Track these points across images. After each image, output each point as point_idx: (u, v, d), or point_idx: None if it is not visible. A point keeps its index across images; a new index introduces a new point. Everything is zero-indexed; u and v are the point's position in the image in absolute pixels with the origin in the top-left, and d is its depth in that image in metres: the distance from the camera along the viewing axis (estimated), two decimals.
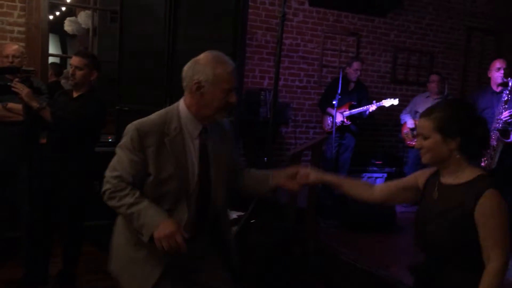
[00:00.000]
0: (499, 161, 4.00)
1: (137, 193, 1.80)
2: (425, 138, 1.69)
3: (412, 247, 4.11)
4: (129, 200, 1.79)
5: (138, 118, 3.67)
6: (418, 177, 1.84)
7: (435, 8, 6.61)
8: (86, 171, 3.11)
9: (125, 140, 1.85)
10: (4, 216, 3.48)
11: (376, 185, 2.01)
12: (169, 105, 3.38)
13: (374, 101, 5.13)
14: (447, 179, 1.71)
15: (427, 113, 1.69)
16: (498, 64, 4.25)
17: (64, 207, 3.06)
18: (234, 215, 3.34)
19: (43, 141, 3.27)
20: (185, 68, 1.86)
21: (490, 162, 3.97)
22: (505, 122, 4.03)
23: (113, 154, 3.85)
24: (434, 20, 6.63)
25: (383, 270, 3.34)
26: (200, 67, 1.80)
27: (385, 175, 5.87)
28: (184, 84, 1.86)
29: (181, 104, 1.89)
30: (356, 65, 5.24)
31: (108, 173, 1.87)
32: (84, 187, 3.12)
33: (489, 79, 4.33)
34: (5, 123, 3.32)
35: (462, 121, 1.64)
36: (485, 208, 1.58)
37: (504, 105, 4.07)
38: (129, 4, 3.65)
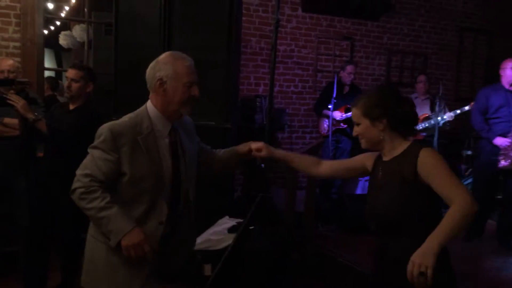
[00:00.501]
0: None
1: (108, 197, 1.79)
2: (357, 124, 1.84)
3: None
4: (99, 203, 1.78)
5: None
6: (366, 160, 1.96)
7: (427, 10, 6.67)
8: None
9: (98, 140, 1.86)
10: (2, 231, 3.48)
11: (324, 162, 2.11)
12: None
13: None
14: (387, 157, 1.83)
15: (356, 102, 1.84)
16: (510, 63, 4.21)
17: (62, 220, 3.06)
18: (233, 222, 3.35)
19: (40, 154, 3.29)
20: (148, 69, 1.94)
21: (510, 162, 3.96)
22: None
23: None
24: (426, 21, 6.69)
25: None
26: (161, 65, 1.89)
27: None
28: (148, 85, 1.94)
29: (149, 104, 1.97)
30: (349, 68, 5.28)
31: (79, 172, 1.87)
32: None
33: (499, 77, 4.31)
34: (1, 138, 3.34)
35: (385, 103, 1.77)
36: (427, 162, 1.68)
37: None
38: (124, 16, 3.68)
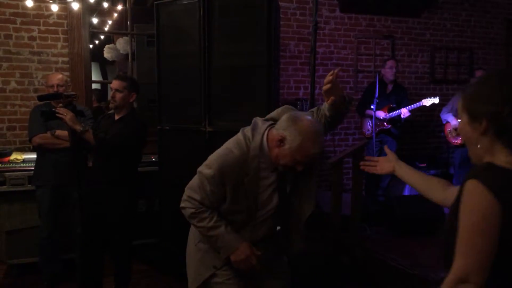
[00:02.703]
0: None
1: (215, 217, 1.98)
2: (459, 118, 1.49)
3: None
4: (208, 223, 1.97)
5: (179, 137, 3.81)
6: None
7: (471, 3, 6.43)
8: (131, 191, 3.20)
9: (208, 172, 1.94)
10: (60, 239, 3.63)
11: (454, 187, 1.63)
12: (208, 122, 3.51)
13: (407, 107, 5.04)
14: None
15: (463, 90, 1.46)
16: None
17: (114, 228, 3.15)
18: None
19: (90, 165, 3.41)
20: (287, 116, 1.91)
21: None
22: None
23: (156, 173, 3.97)
24: (470, 16, 6.45)
25: (436, 274, 3.24)
26: (295, 131, 1.85)
27: None
28: (276, 132, 1.92)
29: (265, 140, 1.95)
30: (390, 63, 5.18)
31: (189, 193, 2.00)
32: (130, 206, 3.21)
33: None
34: (54, 150, 3.49)
35: (493, 98, 1.28)
36: (464, 199, 1.25)
37: None
38: (164, 27, 3.76)
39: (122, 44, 5.49)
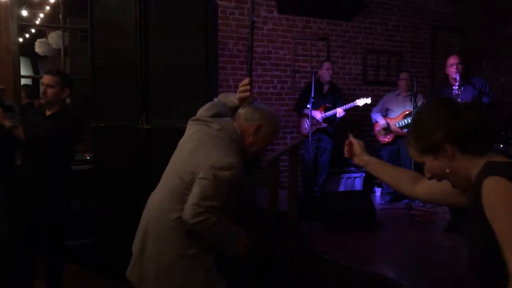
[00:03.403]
0: None
1: (226, 218, 1.92)
2: (423, 164, 1.42)
3: (393, 242, 4.23)
4: (226, 224, 1.91)
5: (115, 134, 3.73)
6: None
7: (400, 9, 6.80)
8: (64, 190, 3.10)
9: (229, 175, 1.86)
10: None
11: (424, 179, 1.58)
12: (145, 119, 3.47)
13: (342, 107, 5.26)
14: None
15: (406, 140, 1.45)
16: (451, 60, 4.47)
17: (45, 228, 3.04)
18: None
19: (19, 163, 3.25)
20: (252, 108, 2.06)
21: None
22: None
23: (90, 172, 3.87)
24: (399, 21, 6.82)
25: (367, 266, 3.41)
26: (267, 118, 2.05)
27: (363, 174, 5.98)
28: (248, 123, 2.03)
29: (239, 132, 2.03)
30: (326, 64, 5.38)
31: (207, 203, 1.83)
32: (63, 206, 3.11)
33: (477, 68, 4.52)
34: None
35: (438, 124, 1.33)
36: (487, 201, 1.21)
37: (458, 99, 4.22)
38: (99, 22, 3.67)
39: (54, 39, 5.27)
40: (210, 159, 1.87)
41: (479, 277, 1.29)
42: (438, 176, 1.40)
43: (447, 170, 1.35)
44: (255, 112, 2.03)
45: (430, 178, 1.42)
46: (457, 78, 4.32)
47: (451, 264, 3.51)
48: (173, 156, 2.09)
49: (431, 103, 1.42)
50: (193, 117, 2.13)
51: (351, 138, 1.85)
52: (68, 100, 3.73)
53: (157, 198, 2.02)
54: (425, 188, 1.60)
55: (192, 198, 1.83)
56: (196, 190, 1.84)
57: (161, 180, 2.09)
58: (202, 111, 2.14)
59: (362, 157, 1.79)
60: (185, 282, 1.92)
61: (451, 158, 1.33)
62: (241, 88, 2.08)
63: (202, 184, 1.83)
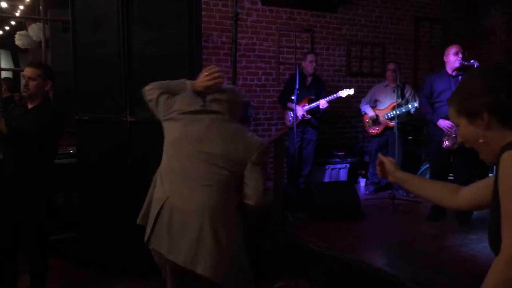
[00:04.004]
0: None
1: None
2: (458, 127, 1.39)
3: (377, 232, 4.30)
4: None
5: (99, 127, 3.70)
6: None
7: (383, 1, 6.84)
8: (47, 184, 3.07)
9: (268, 150, 2.21)
10: None
11: (463, 189, 1.56)
12: (129, 112, 3.45)
13: (325, 98, 5.28)
14: None
15: (450, 97, 1.42)
16: (455, 48, 4.35)
17: (28, 222, 3.00)
18: None
19: (0, 157, 3.20)
20: (230, 93, 2.27)
21: (452, 142, 4.11)
22: None
23: (74, 166, 3.84)
24: (382, 12, 6.87)
25: (351, 255, 3.46)
26: (239, 95, 2.38)
27: (348, 165, 6.04)
28: (235, 106, 2.25)
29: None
30: (310, 57, 5.39)
31: (263, 187, 2.11)
32: (47, 200, 3.08)
33: (443, 63, 4.48)
34: None
35: (485, 90, 1.29)
36: (500, 174, 1.19)
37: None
38: (81, 13, 3.62)
39: (35, 31, 5.17)
40: (252, 145, 2.08)
41: (494, 252, 1.25)
42: (467, 142, 1.37)
43: (480, 140, 1.30)
44: (234, 94, 2.27)
45: (461, 143, 1.39)
46: (458, 66, 4.28)
47: (434, 252, 3.59)
48: (193, 149, 2.09)
49: (487, 69, 1.39)
50: (195, 109, 2.17)
51: (381, 157, 1.79)
52: (50, 93, 3.69)
53: (202, 194, 2.03)
54: (466, 196, 1.54)
55: (259, 184, 2.09)
56: (258, 175, 2.09)
57: (190, 175, 2.07)
58: (189, 99, 2.20)
59: (396, 174, 1.72)
60: (246, 262, 2.19)
61: (486, 128, 1.29)
62: (209, 77, 2.22)
63: (258, 169, 2.09)
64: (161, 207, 2.07)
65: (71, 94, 3.86)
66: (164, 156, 2.20)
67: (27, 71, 2.97)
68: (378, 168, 1.77)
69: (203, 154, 2.06)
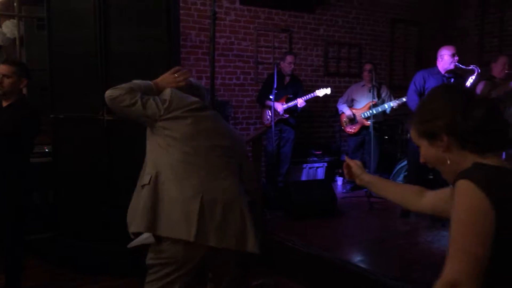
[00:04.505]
0: None
1: None
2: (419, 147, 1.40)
3: (353, 229, 4.36)
4: None
5: (75, 126, 3.67)
6: None
7: (360, 2, 6.95)
8: (23, 183, 3.03)
9: None
10: None
11: (428, 192, 1.60)
12: (106, 110, 3.43)
13: (302, 97, 5.33)
14: None
15: (410, 119, 1.42)
16: (453, 50, 4.30)
17: (3, 221, 2.96)
18: None
19: None
20: (202, 89, 2.42)
21: None
22: None
23: (49, 164, 3.78)
24: (359, 13, 6.97)
25: (327, 252, 3.51)
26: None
27: (325, 164, 6.11)
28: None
29: None
30: (289, 58, 5.44)
31: None
32: (23, 199, 3.04)
33: (431, 62, 4.44)
34: None
35: (444, 113, 1.29)
36: (454, 204, 1.19)
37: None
38: (56, 9, 3.58)
39: (9, 27, 5.08)
40: (242, 137, 2.33)
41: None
42: (430, 163, 1.38)
43: (448, 162, 1.30)
44: (203, 89, 2.43)
45: (424, 163, 1.39)
46: (452, 69, 4.27)
47: (408, 248, 3.67)
48: (210, 144, 2.17)
49: (446, 88, 1.40)
50: (199, 105, 2.21)
51: (348, 160, 1.80)
52: (24, 91, 3.63)
53: (230, 184, 2.16)
54: (430, 200, 1.56)
55: (254, 174, 2.37)
56: (252, 167, 2.33)
57: (214, 169, 2.15)
58: (184, 97, 2.23)
59: (362, 177, 1.74)
60: None
61: (446, 150, 1.29)
62: (181, 77, 2.29)
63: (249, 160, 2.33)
64: (201, 204, 2.06)
65: (46, 92, 3.81)
66: (166, 153, 2.12)
67: (2, 69, 2.93)
68: (345, 171, 1.79)
69: (219, 148, 2.19)
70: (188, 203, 2.05)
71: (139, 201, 2.09)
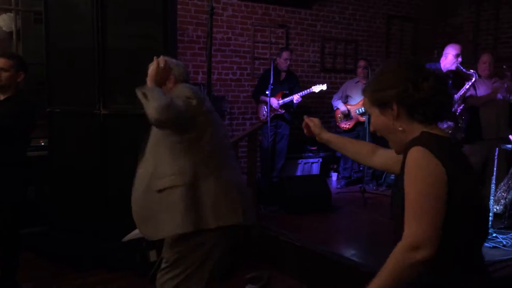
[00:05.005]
0: None
1: None
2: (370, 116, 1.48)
3: (347, 224, 4.41)
4: None
5: (71, 120, 3.69)
6: None
7: None
8: (20, 177, 3.04)
9: None
10: None
11: (380, 149, 1.70)
12: (102, 105, 3.45)
13: (299, 93, 5.36)
14: None
15: (364, 88, 1.49)
16: (457, 51, 4.21)
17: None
18: None
19: None
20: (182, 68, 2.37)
21: (460, 134, 4.21)
22: None
23: (45, 158, 3.81)
24: (356, 10, 6.99)
25: (321, 246, 3.56)
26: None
27: (320, 159, 6.15)
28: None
29: None
30: (285, 54, 5.46)
31: None
32: (18, 193, 3.05)
33: (429, 56, 4.40)
34: None
35: (396, 83, 1.36)
36: (407, 167, 1.27)
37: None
38: (53, 4, 3.59)
39: (6, 21, 5.07)
40: None
41: (395, 232, 1.34)
42: (379, 131, 1.44)
43: (400, 128, 1.37)
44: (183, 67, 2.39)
45: (373, 131, 1.47)
46: (453, 70, 4.21)
47: None
48: (224, 132, 2.36)
49: (398, 61, 1.49)
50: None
51: (306, 119, 1.89)
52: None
53: (239, 166, 2.51)
54: (381, 157, 1.67)
55: None
56: None
57: (230, 151, 2.34)
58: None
59: (322, 136, 1.84)
60: None
61: (395, 118, 1.37)
62: (165, 69, 2.17)
63: None
64: (236, 188, 2.19)
65: (42, 86, 3.82)
66: (196, 151, 2.10)
67: (0, 62, 2.94)
68: (305, 130, 1.90)
69: (226, 136, 2.39)
70: (228, 191, 2.13)
71: (159, 207, 2.08)
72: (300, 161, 6.01)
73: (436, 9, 7.58)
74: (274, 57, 5.60)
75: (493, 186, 3.90)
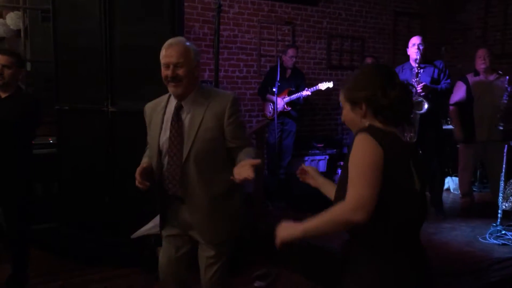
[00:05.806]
0: (421, 133, 4.22)
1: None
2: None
3: None
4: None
5: (80, 117, 3.70)
6: None
7: None
8: (26, 174, 3.06)
9: None
10: None
11: None
12: (110, 102, 3.46)
13: (306, 88, 5.35)
14: None
15: (342, 83, 1.69)
16: (413, 40, 4.45)
17: (9, 212, 3.00)
18: None
19: None
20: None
21: (412, 136, 4.23)
22: (418, 94, 4.23)
23: (53, 156, 3.83)
24: (362, 7, 6.96)
25: (327, 243, 3.55)
26: None
27: (327, 157, 6.14)
28: None
29: None
30: (291, 52, 5.45)
31: None
32: (26, 190, 3.07)
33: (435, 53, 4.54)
34: None
35: (369, 86, 1.56)
36: (353, 148, 1.49)
37: (416, 78, 4.28)
38: (61, 1, 3.60)
39: (13, 19, 5.09)
40: None
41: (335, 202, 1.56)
42: (347, 123, 1.67)
43: (358, 124, 1.59)
44: None
45: (343, 122, 1.68)
46: (418, 59, 4.34)
47: None
48: None
49: (374, 66, 1.70)
50: None
51: (305, 167, 2.03)
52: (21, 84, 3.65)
53: None
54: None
55: None
56: None
57: None
58: None
59: (318, 181, 1.98)
60: None
61: (363, 116, 1.58)
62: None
63: None
64: None
65: (50, 84, 3.84)
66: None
67: (2, 59, 2.94)
68: (300, 178, 2.03)
69: None
70: None
71: (220, 212, 2.23)
72: (306, 158, 6.00)
73: (444, 6, 7.54)
74: (280, 54, 5.59)
75: (502, 183, 3.88)
